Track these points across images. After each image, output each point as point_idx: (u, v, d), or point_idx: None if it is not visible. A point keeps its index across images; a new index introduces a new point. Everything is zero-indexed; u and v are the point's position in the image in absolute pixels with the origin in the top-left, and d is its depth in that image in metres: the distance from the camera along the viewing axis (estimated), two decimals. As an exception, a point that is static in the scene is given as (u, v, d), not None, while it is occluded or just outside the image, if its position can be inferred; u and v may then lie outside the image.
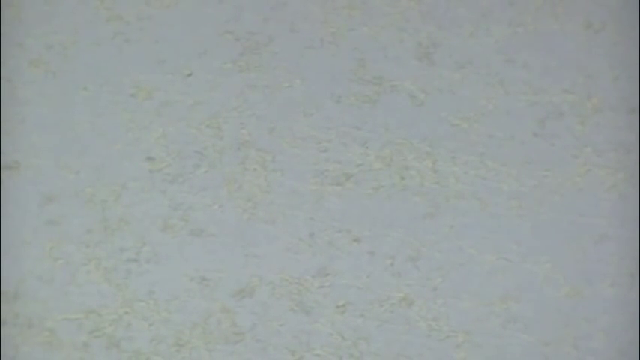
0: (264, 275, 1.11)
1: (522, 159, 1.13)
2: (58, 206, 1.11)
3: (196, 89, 1.16)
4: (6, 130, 1.12)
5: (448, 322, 1.09)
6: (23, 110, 1.14)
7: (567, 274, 1.09)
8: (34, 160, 1.12)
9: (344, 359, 1.09)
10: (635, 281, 1.08)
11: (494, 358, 1.08)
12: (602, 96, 1.13)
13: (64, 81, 1.15)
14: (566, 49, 1.14)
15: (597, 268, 1.10)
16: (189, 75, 1.17)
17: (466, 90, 1.15)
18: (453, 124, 1.15)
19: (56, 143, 1.13)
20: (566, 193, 1.12)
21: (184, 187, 1.14)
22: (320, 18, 1.17)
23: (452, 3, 1.16)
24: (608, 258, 1.10)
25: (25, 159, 1.12)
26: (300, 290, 1.10)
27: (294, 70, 1.17)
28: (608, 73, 1.14)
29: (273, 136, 1.15)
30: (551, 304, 1.09)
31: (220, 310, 1.09)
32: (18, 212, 1.11)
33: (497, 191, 1.12)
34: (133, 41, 1.16)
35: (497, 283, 1.10)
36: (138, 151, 1.14)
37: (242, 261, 1.11)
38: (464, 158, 1.13)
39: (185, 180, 1.14)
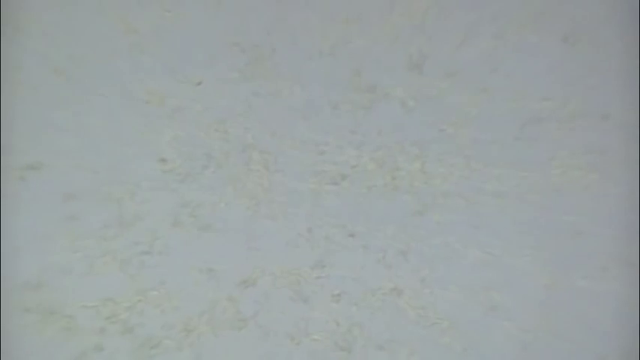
0: (266, 267, 1.10)
1: (504, 161, 1.10)
2: (77, 203, 1.09)
3: (205, 96, 1.12)
4: (30, 133, 1.08)
5: (435, 311, 1.08)
6: (46, 115, 1.09)
7: (545, 267, 1.08)
8: (55, 160, 1.09)
9: (339, 344, 1.08)
10: (608, 274, 1.06)
11: (477, 343, 1.07)
12: (578, 103, 1.08)
13: (84, 88, 1.10)
14: (545, 60, 1.09)
15: (573, 262, 1.08)
16: (199, 83, 1.12)
17: (453, 97, 1.11)
18: (441, 129, 1.11)
19: (76, 145, 1.10)
20: (544, 193, 1.09)
21: (193, 186, 1.11)
22: (319, 31, 1.12)
23: (440, 18, 1.11)
24: (583, 252, 1.08)
25: (47, 160, 1.09)
26: (299, 281, 1.09)
27: (294, 79, 1.12)
28: (583, 82, 1.08)
29: (275, 139, 1.12)
30: (531, 294, 1.08)
31: (226, 299, 1.09)
32: (40, 209, 1.08)
33: (481, 190, 1.09)
34: (147, 52, 1.11)
35: (481, 275, 1.09)
36: (151, 153, 1.11)
37: (246, 254, 1.10)
38: (450, 160, 1.10)
39: (194, 179, 1.11)
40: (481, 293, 1.07)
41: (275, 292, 1.09)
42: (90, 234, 1.08)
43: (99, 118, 1.10)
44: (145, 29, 1.10)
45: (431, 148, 1.10)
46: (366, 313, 1.08)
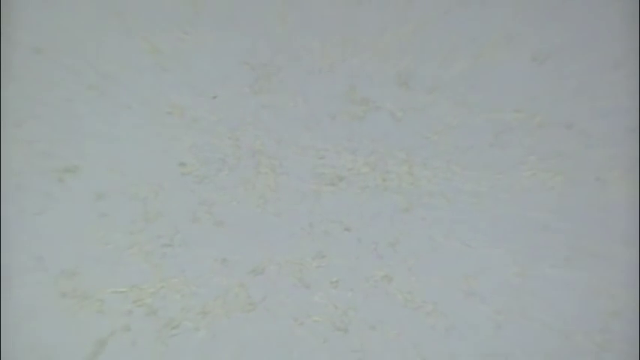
0: (272, 257, 1.11)
1: (481, 165, 1.11)
2: (108, 202, 1.10)
3: (219, 108, 1.12)
4: (67, 140, 1.10)
5: (420, 295, 1.09)
6: (81, 124, 1.10)
7: (516, 257, 1.09)
8: (89, 164, 1.10)
9: (336, 325, 1.09)
10: (571, 263, 1.08)
11: (457, 323, 1.09)
12: (545, 114, 1.10)
13: (114, 101, 1.11)
14: (517, 77, 1.10)
15: (540, 253, 1.09)
16: (214, 97, 1.12)
17: (436, 109, 1.11)
18: (425, 137, 1.11)
19: (107, 151, 1.11)
20: (515, 192, 1.10)
21: (209, 186, 1.11)
22: (318, 52, 1.12)
23: (425, 39, 1.11)
24: (549, 244, 1.09)
25: (82, 163, 1.10)
26: (301, 269, 1.10)
27: (297, 93, 1.12)
28: (549, 96, 1.10)
29: (281, 146, 1.12)
30: (504, 281, 1.09)
31: (237, 285, 1.10)
32: (76, 206, 1.10)
33: (461, 191, 1.11)
34: (168, 70, 1.12)
35: (460, 264, 1.10)
36: (172, 158, 1.11)
37: (255, 246, 1.11)
38: (434, 164, 1.11)
39: (210, 181, 1.11)
40: (460, 280, 1.10)
41: (280, 279, 1.10)
42: (119, 228, 1.10)
43: (127, 127, 1.11)
44: (167, 49, 1.13)
45: (417, 154, 1.12)
46: (361, 297, 1.09)
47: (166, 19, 1.13)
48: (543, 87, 1.11)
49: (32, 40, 1.11)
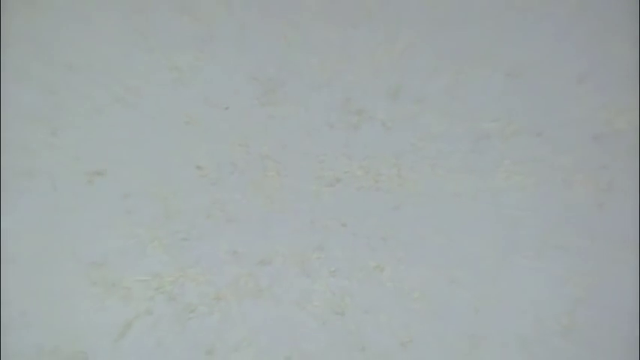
0: (278, 250, 1.13)
1: (462, 168, 1.13)
2: (133, 201, 1.14)
3: (231, 118, 1.15)
4: (97, 146, 1.15)
5: (408, 283, 1.12)
6: (109, 133, 1.15)
7: (494, 250, 1.12)
8: (116, 168, 1.14)
9: (334, 309, 1.12)
10: (542, 255, 1.11)
11: (440, 307, 1.12)
12: (519, 123, 1.13)
13: (138, 113, 1.15)
14: (493, 90, 1.13)
15: (515, 245, 1.12)
16: (227, 108, 1.14)
17: (422, 119, 1.14)
18: (413, 144, 1.14)
19: (132, 156, 1.15)
20: (492, 193, 1.13)
21: (222, 187, 1.14)
22: (318, 68, 1.15)
23: (412, 56, 1.14)
24: (523, 238, 1.12)
25: (109, 167, 1.14)
26: (303, 261, 1.13)
27: (299, 104, 1.15)
28: (522, 107, 1.13)
29: (285, 152, 1.15)
30: (482, 270, 1.12)
31: (247, 274, 1.13)
32: (104, 205, 1.14)
33: (444, 191, 1.14)
34: (186, 84, 1.15)
35: (444, 255, 1.13)
36: (189, 162, 1.15)
37: (262, 240, 1.14)
38: (420, 168, 1.14)
39: (223, 183, 1.14)
40: (444, 270, 1.12)
41: (285, 269, 1.12)
42: (142, 224, 1.13)
43: (149, 135, 1.15)
44: (185, 66, 1.16)
45: (405, 158, 1.15)
46: (356, 285, 1.12)
47: (185, 40, 1.17)
48: (517, 99, 1.14)
49: (66, 57, 1.17)
